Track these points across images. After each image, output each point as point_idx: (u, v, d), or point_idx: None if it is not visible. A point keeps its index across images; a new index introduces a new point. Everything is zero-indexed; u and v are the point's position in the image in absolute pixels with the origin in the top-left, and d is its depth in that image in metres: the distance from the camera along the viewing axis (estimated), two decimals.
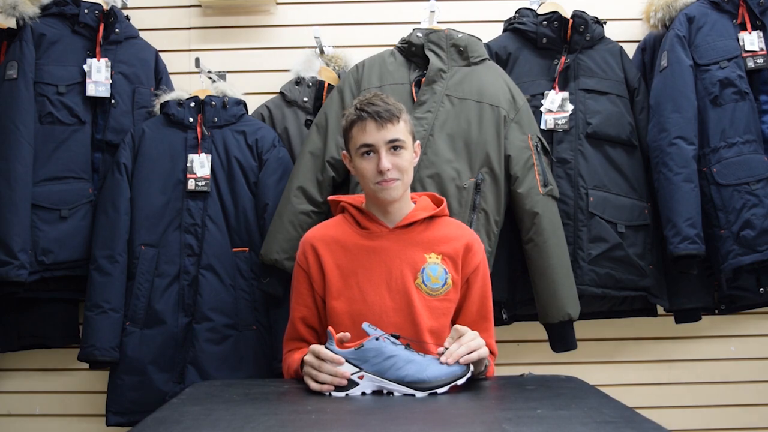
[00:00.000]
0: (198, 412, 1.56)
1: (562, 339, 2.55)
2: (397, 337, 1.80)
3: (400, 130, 2.00)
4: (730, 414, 3.00)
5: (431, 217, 2.10)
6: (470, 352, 1.78)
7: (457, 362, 1.77)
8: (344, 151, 2.12)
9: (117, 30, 2.81)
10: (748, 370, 3.01)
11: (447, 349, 1.78)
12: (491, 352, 2.05)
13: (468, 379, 1.79)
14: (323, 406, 1.63)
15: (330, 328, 1.80)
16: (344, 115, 2.06)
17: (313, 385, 1.79)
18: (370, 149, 1.99)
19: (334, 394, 1.74)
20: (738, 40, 2.74)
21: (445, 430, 1.41)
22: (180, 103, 2.73)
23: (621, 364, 3.03)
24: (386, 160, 1.97)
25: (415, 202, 2.13)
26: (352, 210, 2.11)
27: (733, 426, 3.00)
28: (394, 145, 1.99)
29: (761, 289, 2.74)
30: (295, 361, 1.98)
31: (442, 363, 1.76)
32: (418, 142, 2.13)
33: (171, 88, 2.90)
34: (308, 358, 1.82)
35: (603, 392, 1.73)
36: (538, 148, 2.55)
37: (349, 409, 1.60)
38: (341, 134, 2.13)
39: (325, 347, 1.77)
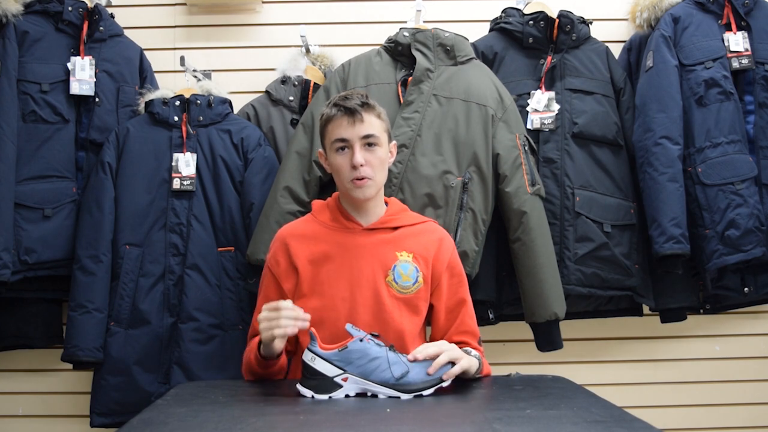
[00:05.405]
0: (184, 414, 1.55)
1: (548, 338, 2.55)
2: (376, 336, 1.79)
3: (375, 126, 2.00)
4: (715, 413, 3.02)
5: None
6: (449, 361, 1.79)
7: (443, 365, 1.77)
8: (320, 150, 2.11)
9: (101, 28, 2.79)
10: (732, 370, 3.03)
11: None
12: (476, 347, 2.06)
13: (454, 380, 1.79)
14: (312, 407, 1.62)
15: (312, 329, 1.79)
16: (321, 113, 2.06)
17: (277, 332, 1.79)
18: (344, 144, 1.99)
19: (317, 396, 1.73)
20: (723, 40, 2.75)
21: (435, 430, 1.41)
22: (165, 101, 2.71)
23: (607, 363, 3.03)
24: (360, 156, 1.96)
25: (386, 203, 2.14)
26: (331, 204, 2.12)
27: (717, 425, 3.01)
28: (369, 142, 1.99)
29: (746, 289, 2.76)
30: (253, 344, 1.98)
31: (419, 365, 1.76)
32: (394, 142, 2.14)
33: (156, 87, 2.89)
34: (264, 314, 1.83)
35: (591, 392, 1.73)
36: (526, 148, 2.55)
37: (337, 410, 1.59)
38: None
39: (308, 348, 1.76)
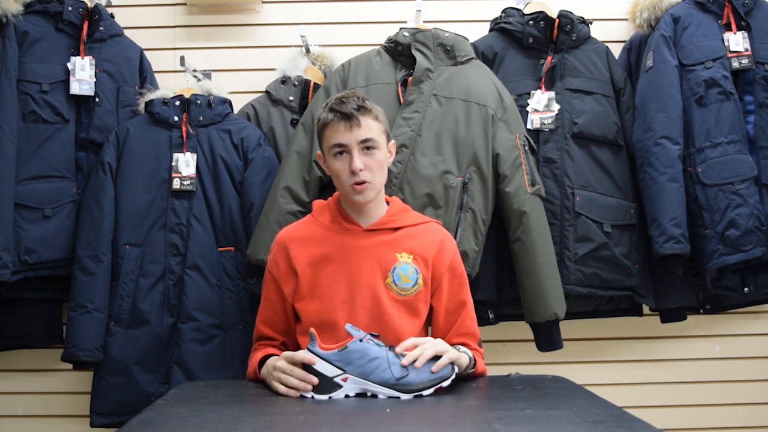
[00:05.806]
0: (184, 414, 1.55)
1: (548, 338, 2.55)
2: (376, 336, 1.79)
3: (373, 129, 1.99)
4: (715, 413, 3.01)
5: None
6: (435, 356, 1.81)
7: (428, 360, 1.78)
8: (318, 152, 2.11)
9: (101, 28, 2.78)
10: (732, 370, 3.02)
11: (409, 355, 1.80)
12: (476, 348, 2.05)
13: (454, 380, 1.79)
14: (311, 407, 1.63)
15: (312, 330, 1.79)
16: (318, 117, 2.05)
17: (281, 389, 1.81)
18: (342, 150, 1.98)
19: (317, 397, 1.73)
20: (723, 40, 2.75)
21: (435, 430, 1.41)
22: (165, 101, 2.71)
23: (607, 363, 3.03)
24: (358, 161, 1.96)
25: (387, 203, 2.14)
26: (331, 204, 2.11)
27: (717, 425, 3.01)
28: (367, 146, 1.98)
29: (746, 289, 2.75)
30: (254, 361, 2.02)
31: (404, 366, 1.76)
32: (393, 141, 2.13)
33: (156, 87, 2.88)
34: (280, 363, 1.84)
35: (590, 392, 1.74)
36: (526, 148, 2.55)
37: (337, 410, 1.59)
38: None
39: (308, 348, 1.76)
